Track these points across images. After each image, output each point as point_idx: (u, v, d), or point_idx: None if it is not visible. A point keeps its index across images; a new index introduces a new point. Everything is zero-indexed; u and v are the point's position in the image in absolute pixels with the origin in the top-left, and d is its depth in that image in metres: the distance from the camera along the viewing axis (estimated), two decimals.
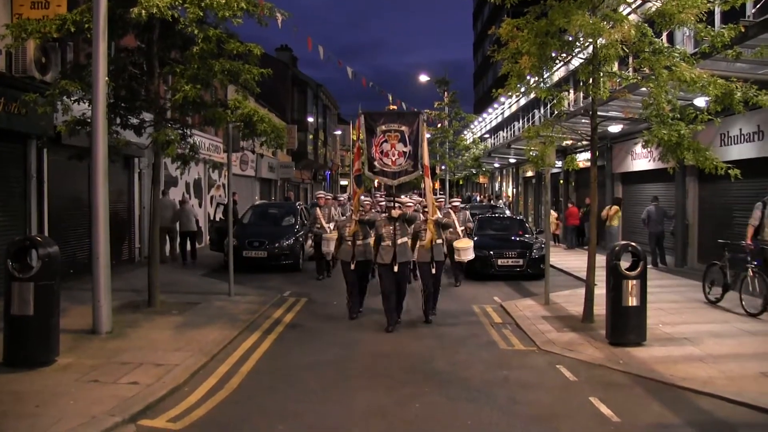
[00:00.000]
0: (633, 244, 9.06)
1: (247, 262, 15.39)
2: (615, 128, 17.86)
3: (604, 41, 8.71)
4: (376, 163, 10.69)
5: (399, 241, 9.99)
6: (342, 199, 17.06)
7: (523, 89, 11.34)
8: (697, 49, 11.01)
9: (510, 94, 11.64)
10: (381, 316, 10.26)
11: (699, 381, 7.21)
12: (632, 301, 8.70)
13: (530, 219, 32.81)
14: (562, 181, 29.17)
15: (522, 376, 7.65)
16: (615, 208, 18.32)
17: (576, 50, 10.04)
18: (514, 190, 39.91)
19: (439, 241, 10.65)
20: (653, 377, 7.43)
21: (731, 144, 13.90)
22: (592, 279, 10.24)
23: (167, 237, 17.14)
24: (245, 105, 10.17)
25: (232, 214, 17.16)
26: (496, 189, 48.02)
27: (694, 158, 9.27)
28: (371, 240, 10.62)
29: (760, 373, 7.47)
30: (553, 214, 22.97)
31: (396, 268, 9.91)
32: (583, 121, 17.39)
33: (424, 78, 36.25)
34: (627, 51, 8.82)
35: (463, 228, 14.21)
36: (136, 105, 10.60)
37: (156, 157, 10.73)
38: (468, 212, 15.28)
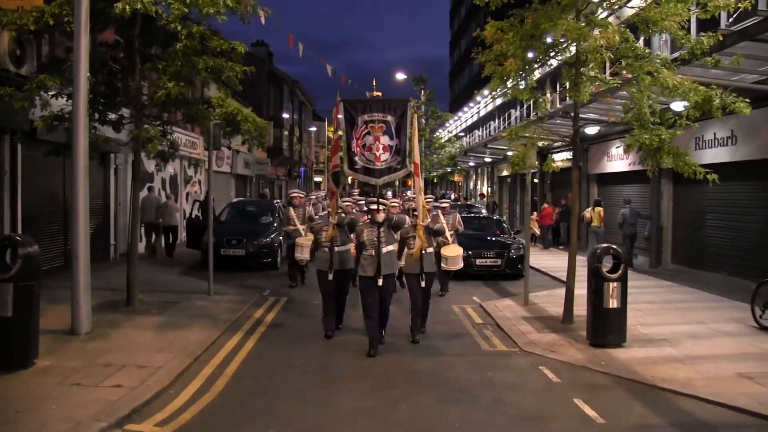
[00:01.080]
0: (614, 246, 9.19)
1: (225, 260, 15.22)
2: (592, 130, 18.05)
3: (588, 46, 8.79)
4: (356, 158, 9.07)
5: (384, 250, 8.61)
6: (314, 198, 15.81)
7: (504, 90, 11.42)
8: (676, 54, 11.20)
9: (492, 94, 11.74)
10: (361, 335, 9.18)
11: (679, 382, 7.35)
12: (613, 303, 8.83)
13: (504, 218, 33.07)
14: (537, 181, 29.43)
15: (506, 377, 7.71)
16: (599, 209, 18.61)
17: (559, 54, 10.13)
18: (489, 189, 40.19)
19: (430, 249, 9.38)
20: (634, 378, 7.55)
21: (706, 148, 14.17)
22: (573, 280, 10.35)
23: (152, 232, 17.51)
24: (229, 104, 10.07)
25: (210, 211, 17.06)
26: (471, 187, 48.27)
27: (674, 162, 9.44)
28: (351, 246, 9.41)
29: (736, 373, 7.64)
30: (534, 215, 23.21)
31: (380, 282, 8.57)
32: (558, 121, 17.54)
33: (401, 76, 36.36)
34: (612, 56, 8.93)
35: (452, 233, 12.42)
36: (116, 101, 10.43)
37: (136, 154, 10.57)
38: (458, 214, 13.52)
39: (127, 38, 10.38)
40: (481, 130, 43.12)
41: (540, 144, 25.37)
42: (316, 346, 9.01)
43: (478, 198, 37.34)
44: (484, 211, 25.92)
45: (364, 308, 8.77)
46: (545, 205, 23.85)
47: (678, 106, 11.20)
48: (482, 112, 41.55)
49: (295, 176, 47.19)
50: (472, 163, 42.13)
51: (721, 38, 9.30)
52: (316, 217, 10.99)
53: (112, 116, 10.77)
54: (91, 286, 9.27)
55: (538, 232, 23.13)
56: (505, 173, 35.82)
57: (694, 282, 14.15)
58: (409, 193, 15.36)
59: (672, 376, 7.58)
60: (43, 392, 6.33)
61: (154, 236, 17.71)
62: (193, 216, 17.39)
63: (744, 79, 11.98)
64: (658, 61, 9.23)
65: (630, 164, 18.44)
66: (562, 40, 9.72)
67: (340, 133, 9.81)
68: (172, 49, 9.50)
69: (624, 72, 10.00)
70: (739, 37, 9.73)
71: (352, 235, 9.31)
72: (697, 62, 9.76)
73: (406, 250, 9.42)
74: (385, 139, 9.04)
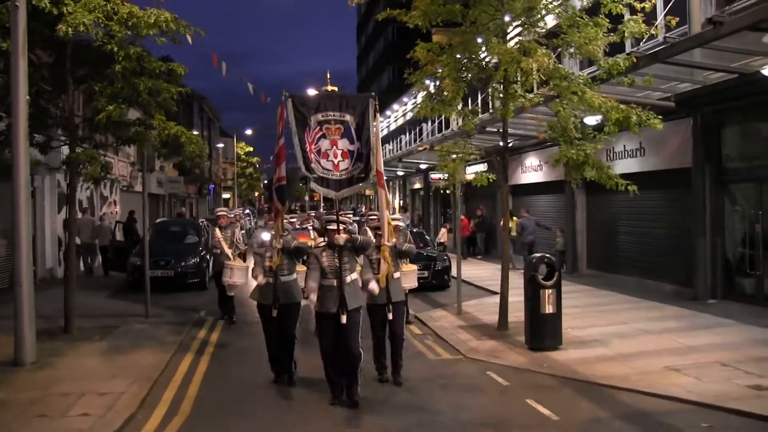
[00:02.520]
0: (548, 256, 9.82)
1: (153, 281, 14.83)
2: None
3: (521, 67, 9.39)
4: (312, 166, 7.45)
5: (348, 279, 7.09)
6: (233, 216, 13.53)
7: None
8: (587, 71, 12.07)
9: (404, 110, 12.26)
10: (317, 387, 7.63)
11: (617, 378, 7.98)
12: (549, 309, 9.43)
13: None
14: (447, 192, 30.30)
15: (458, 383, 8.09)
16: (515, 219, 19.58)
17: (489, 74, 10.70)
18: (402, 201, 40.95)
19: (397, 275, 7.98)
20: (577, 377, 8.12)
21: (616, 159, 15.23)
22: (506, 289, 10.91)
23: (88, 254, 18.08)
24: (170, 125, 10.01)
25: (133, 232, 16.75)
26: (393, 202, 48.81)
27: (597, 175, 10.20)
28: (296, 272, 8.14)
29: (664, 367, 8.35)
30: (446, 226, 24.01)
31: (344, 319, 6.94)
32: (480, 136, 18.30)
33: (312, 92, 36.56)
34: (543, 77, 9.59)
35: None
36: (48, 123, 10.15)
37: (71, 177, 10.31)
38: (409, 234, 11.64)
39: (58, 59, 10.14)
40: (392, 143, 43.91)
41: (453, 156, 26.28)
42: (267, 363, 9.03)
43: (400, 212, 37.94)
44: (401, 224, 26.38)
45: (324, 353, 7.20)
46: (461, 217, 24.64)
47: (591, 120, 12.08)
48: (392, 126, 42.36)
49: (205, 194, 46.37)
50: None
51: (635, 60, 10.17)
52: (261, 247, 9.36)
53: (38, 138, 10.45)
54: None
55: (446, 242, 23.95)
56: (417, 186, 36.62)
57: (610, 285, 15.14)
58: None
59: (609, 373, 8.21)
60: (8, 427, 6.15)
61: (90, 258, 18.06)
62: (116, 237, 17.07)
63: (650, 96, 13.06)
64: (581, 80, 9.97)
65: (544, 176, 19.50)
66: (493, 60, 10.28)
67: (281, 142, 7.86)
68: (110, 71, 9.37)
69: (547, 90, 10.73)
70: (650, 60, 10.65)
71: (298, 262, 8.18)
72: (612, 81, 10.64)
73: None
74: (343, 143, 7.48)
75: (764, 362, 8.42)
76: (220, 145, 55.10)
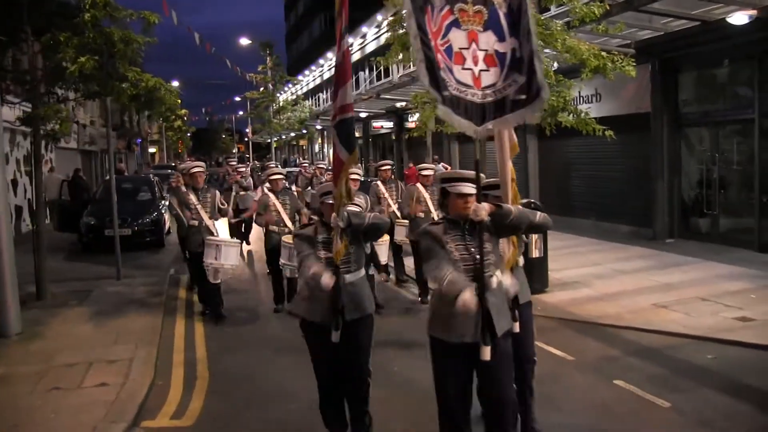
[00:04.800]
0: (534, 201, 9.96)
1: (111, 240, 14.28)
2: None
3: None
4: (442, 75, 3.73)
5: (493, 281, 4.03)
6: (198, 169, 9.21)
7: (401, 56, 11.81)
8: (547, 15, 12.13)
9: (392, 61, 12.13)
10: None
11: (612, 317, 8.29)
12: (536, 253, 9.63)
13: None
14: (394, 138, 30.23)
15: None
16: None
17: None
18: None
19: (522, 260, 4.96)
20: (574, 318, 8.38)
21: (572, 105, 15.48)
22: None
23: (54, 211, 16.98)
24: (147, 77, 9.44)
25: (82, 191, 15.97)
26: (316, 151, 48.36)
27: (575, 121, 10.37)
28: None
29: (652, 304, 8.73)
30: None
31: (487, 353, 3.86)
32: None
33: (245, 41, 35.53)
34: None
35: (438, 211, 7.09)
36: (5, 77, 9.38)
37: (35, 135, 9.64)
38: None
39: (9, 8, 9.31)
40: (325, 93, 43.23)
41: (397, 105, 26.27)
42: (264, 319, 8.88)
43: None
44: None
45: (444, 408, 4.17)
46: (410, 165, 24.69)
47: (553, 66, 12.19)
48: (326, 75, 41.63)
49: (134, 148, 44.60)
50: (319, 127, 42.25)
51: (608, 7, 10.28)
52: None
53: None
54: None
55: None
56: (356, 135, 36.32)
57: (569, 228, 15.50)
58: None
59: (603, 313, 8.51)
60: (25, 402, 5.79)
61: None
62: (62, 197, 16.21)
63: (608, 42, 13.26)
64: (558, 27, 10.00)
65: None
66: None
67: (345, 45, 4.58)
68: (78, 20, 8.71)
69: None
70: (624, 7, 10.80)
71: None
72: (586, 28, 10.75)
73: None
74: (487, 40, 3.93)
75: (739, 295, 8.96)
76: None
